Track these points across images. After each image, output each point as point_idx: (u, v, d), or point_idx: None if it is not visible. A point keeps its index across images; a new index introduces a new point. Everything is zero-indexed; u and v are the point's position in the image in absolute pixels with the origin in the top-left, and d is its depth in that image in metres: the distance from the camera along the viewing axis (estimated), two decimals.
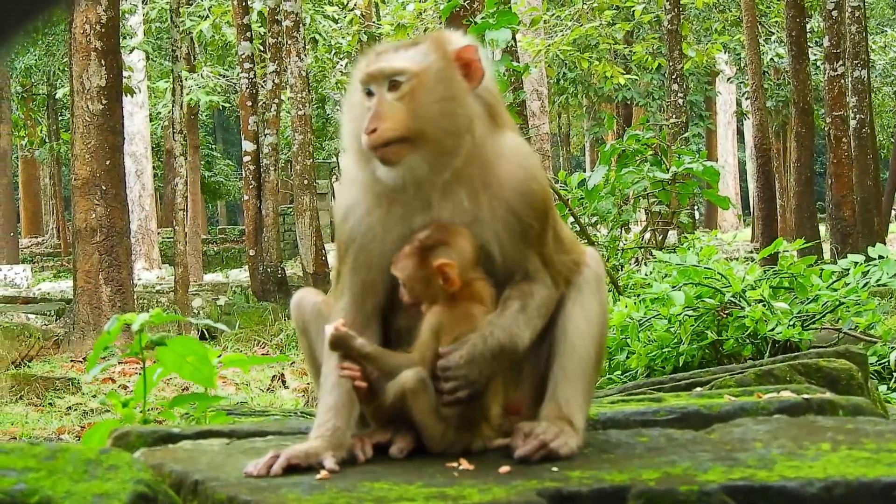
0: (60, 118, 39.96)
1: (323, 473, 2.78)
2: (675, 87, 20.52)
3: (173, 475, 2.78)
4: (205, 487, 2.69)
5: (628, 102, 38.43)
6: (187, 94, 29.27)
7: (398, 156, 2.91)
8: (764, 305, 6.52)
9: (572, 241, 3.24)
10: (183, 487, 2.74)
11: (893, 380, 6.49)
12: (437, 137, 2.92)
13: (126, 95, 20.49)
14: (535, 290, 3.03)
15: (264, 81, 22.16)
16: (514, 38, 15.06)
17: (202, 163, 39.27)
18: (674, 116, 20.20)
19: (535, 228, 3.03)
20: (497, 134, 3.03)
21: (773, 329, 6.40)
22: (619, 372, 6.80)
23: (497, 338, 2.95)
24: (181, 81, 20.17)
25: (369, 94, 2.98)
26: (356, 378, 2.95)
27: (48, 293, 25.32)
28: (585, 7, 26.33)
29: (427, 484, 2.68)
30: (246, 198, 21.79)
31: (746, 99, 33.40)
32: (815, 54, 28.07)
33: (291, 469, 2.80)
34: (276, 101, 21.73)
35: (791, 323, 6.47)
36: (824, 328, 6.77)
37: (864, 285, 6.80)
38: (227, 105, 37.01)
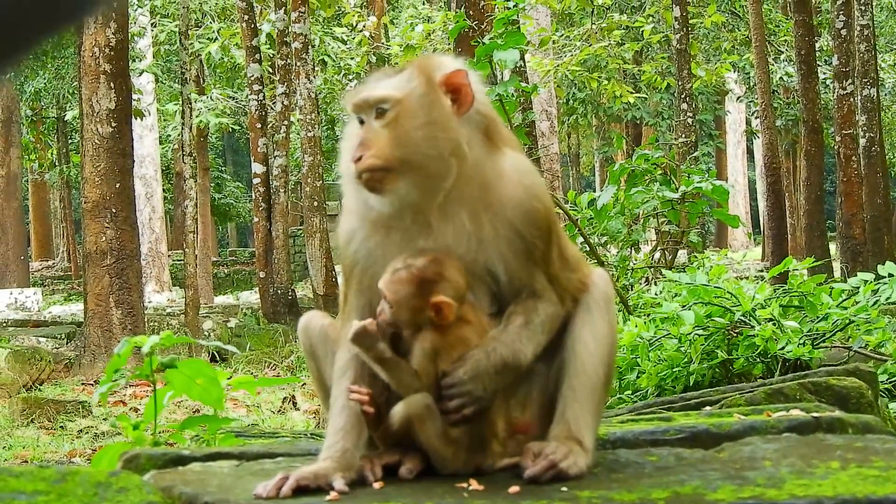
0: (70, 141, 40.08)
1: (332, 495, 2.77)
2: (685, 106, 20.54)
3: (183, 497, 2.77)
4: None
5: (637, 122, 38.51)
6: (197, 117, 29.38)
7: (383, 184, 2.92)
8: (774, 324, 6.51)
9: (578, 258, 3.24)
10: None
11: None
12: (421, 163, 2.92)
13: (135, 118, 20.58)
14: (540, 306, 3.03)
15: (273, 103, 22.26)
16: (522, 58, 15.09)
17: (212, 185, 39.39)
18: (683, 136, 20.20)
19: (539, 247, 3.03)
20: (496, 154, 3.03)
21: (783, 348, 6.39)
22: (629, 392, 6.79)
23: (500, 353, 2.96)
24: (190, 104, 20.24)
25: (361, 122, 3.01)
26: (364, 403, 2.96)
27: (59, 316, 25.37)
28: (594, 27, 26.41)
29: None
30: (256, 220, 21.85)
31: (756, 118, 33.41)
32: (824, 73, 28.04)
33: (301, 491, 2.79)
34: (286, 122, 21.80)
35: (801, 341, 6.46)
36: (834, 346, 6.75)
37: (874, 303, 6.79)
38: (236, 127, 37.17)
